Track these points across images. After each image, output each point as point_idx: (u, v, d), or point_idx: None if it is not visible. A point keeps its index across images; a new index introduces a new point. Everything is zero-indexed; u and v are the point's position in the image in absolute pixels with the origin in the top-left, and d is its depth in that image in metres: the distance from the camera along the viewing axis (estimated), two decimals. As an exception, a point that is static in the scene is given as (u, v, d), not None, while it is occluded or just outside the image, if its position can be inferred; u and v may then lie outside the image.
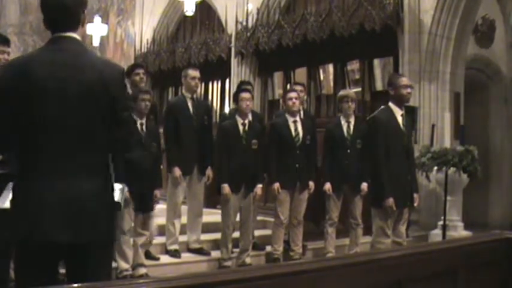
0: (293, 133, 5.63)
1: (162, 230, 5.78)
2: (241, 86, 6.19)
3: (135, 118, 4.94)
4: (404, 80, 4.77)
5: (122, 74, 2.43)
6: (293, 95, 5.69)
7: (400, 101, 4.70)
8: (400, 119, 4.68)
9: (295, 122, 5.67)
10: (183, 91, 5.88)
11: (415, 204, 4.88)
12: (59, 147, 2.25)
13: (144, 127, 4.99)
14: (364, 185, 5.66)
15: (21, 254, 2.28)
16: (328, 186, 5.71)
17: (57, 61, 2.26)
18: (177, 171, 5.50)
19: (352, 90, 6.86)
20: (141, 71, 5.64)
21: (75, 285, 1.73)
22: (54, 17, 2.33)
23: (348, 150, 5.71)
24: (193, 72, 5.76)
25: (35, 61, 2.30)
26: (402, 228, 4.81)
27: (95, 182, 2.29)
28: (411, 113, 6.10)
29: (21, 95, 2.23)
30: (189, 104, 5.66)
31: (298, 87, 6.06)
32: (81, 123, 2.27)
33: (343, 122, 5.79)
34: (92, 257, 2.29)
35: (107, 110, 2.30)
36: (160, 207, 6.10)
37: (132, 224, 4.96)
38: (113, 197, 2.39)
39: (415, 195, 4.78)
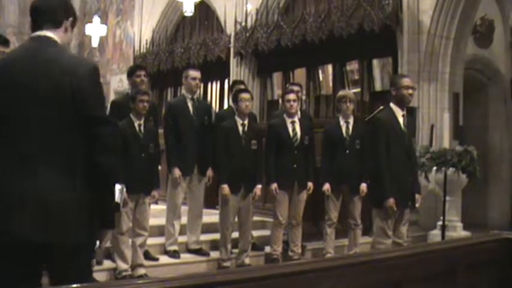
0: (291, 133, 5.62)
1: (161, 231, 5.77)
2: (236, 86, 6.19)
3: (132, 119, 4.96)
4: (406, 81, 4.72)
5: (94, 71, 2.36)
6: (291, 97, 5.67)
7: (402, 102, 4.67)
8: (401, 120, 4.66)
9: (293, 122, 5.66)
10: (183, 91, 5.87)
11: (417, 205, 4.86)
12: (29, 145, 2.22)
13: (142, 128, 4.99)
14: (364, 186, 5.64)
15: None
16: (327, 186, 5.70)
17: (29, 59, 2.29)
18: (177, 172, 5.49)
19: (351, 91, 6.85)
20: (142, 72, 5.62)
21: (74, 285, 1.73)
22: (32, 17, 2.41)
23: (347, 151, 5.70)
24: (194, 73, 5.76)
25: (9, 59, 2.37)
26: (403, 229, 4.77)
27: (66, 182, 2.23)
28: (410, 114, 6.10)
29: None
30: (189, 105, 5.66)
31: (295, 88, 6.05)
32: (52, 121, 2.25)
33: (341, 122, 5.77)
34: (65, 261, 2.22)
35: (79, 107, 2.27)
36: (159, 207, 6.10)
37: (130, 225, 4.96)
38: (89, 197, 2.27)
39: (417, 196, 4.75)
